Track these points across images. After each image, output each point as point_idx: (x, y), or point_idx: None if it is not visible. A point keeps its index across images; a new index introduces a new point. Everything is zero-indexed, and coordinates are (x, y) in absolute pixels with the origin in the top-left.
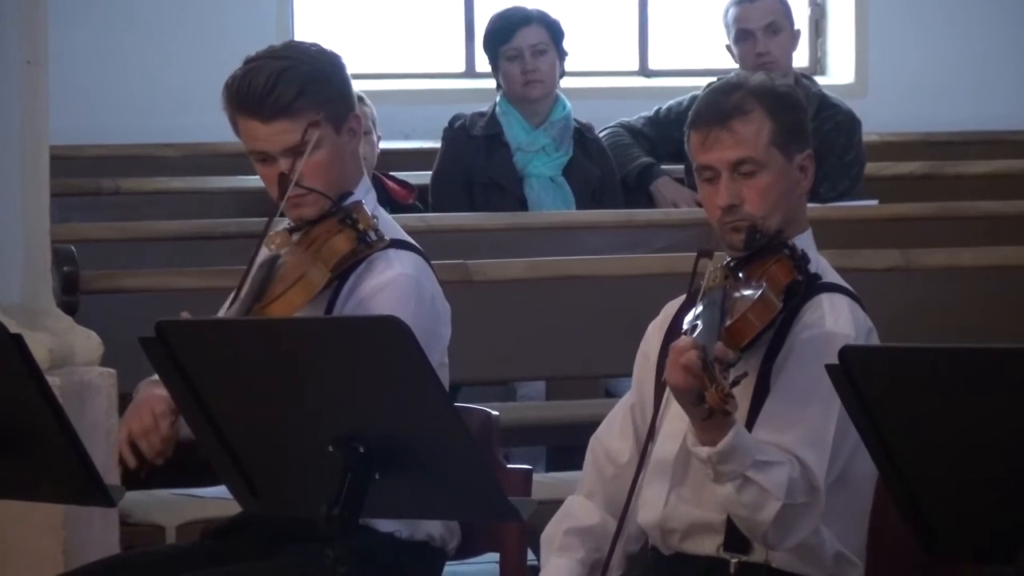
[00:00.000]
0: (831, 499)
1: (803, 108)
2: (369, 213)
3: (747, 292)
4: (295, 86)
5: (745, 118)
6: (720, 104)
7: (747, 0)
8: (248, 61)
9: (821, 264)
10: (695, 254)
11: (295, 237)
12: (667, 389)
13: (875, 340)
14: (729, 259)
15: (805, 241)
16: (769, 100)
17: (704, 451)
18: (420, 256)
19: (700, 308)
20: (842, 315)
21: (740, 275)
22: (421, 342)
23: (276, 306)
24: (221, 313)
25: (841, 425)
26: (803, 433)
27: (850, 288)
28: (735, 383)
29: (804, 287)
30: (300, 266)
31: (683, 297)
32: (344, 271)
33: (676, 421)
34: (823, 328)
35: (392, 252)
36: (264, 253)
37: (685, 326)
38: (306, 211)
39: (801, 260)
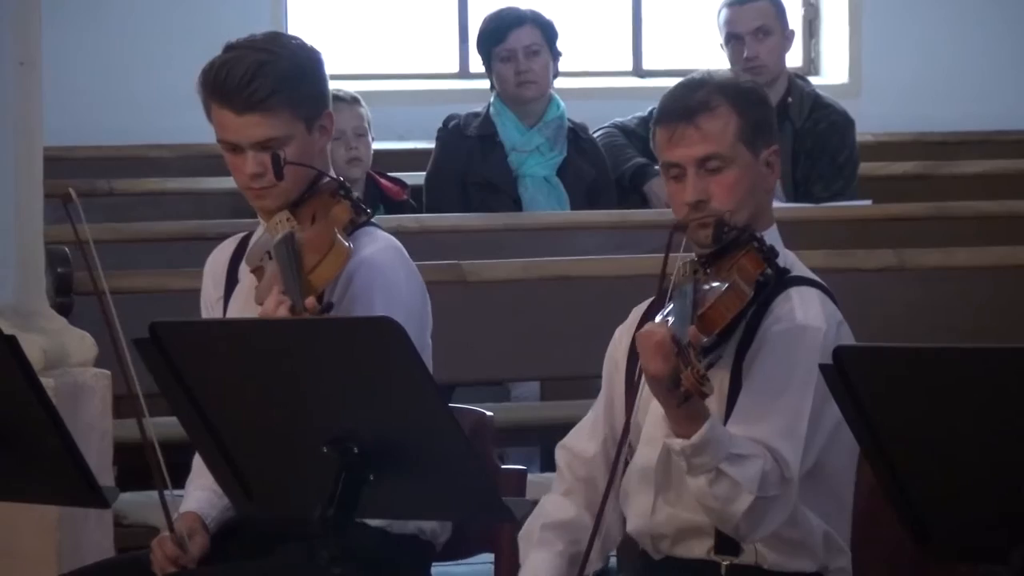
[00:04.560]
0: (809, 487)
1: (768, 104)
2: None
3: (716, 284)
4: (272, 82)
5: (711, 114)
6: (686, 101)
7: (737, 3)
8: (228, 49)
9: (789, 258)
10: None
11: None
12: (639, 393)
13: (845, 332)
14: (698, 257)
15: (772, 236)
16: (735, 96)
17: (678, 443)
18: (395, 239)
19: (670, 304)
20: (812, 307)
21: (709, 271)
22: (416, 314)
23: (319, 272)
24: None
25: (814, 415)
26: (776, 425)
27: (820, 281)
28: (710, 365)
29: (774, 280)
30: (325, 234)
31: (650, 300)
32: None
33: (654, 427)
34: (794, 321)
35: (371, 228)
36: (265, 240)
37: (657, 319)
38: (270, 202)
39: (770, 253)
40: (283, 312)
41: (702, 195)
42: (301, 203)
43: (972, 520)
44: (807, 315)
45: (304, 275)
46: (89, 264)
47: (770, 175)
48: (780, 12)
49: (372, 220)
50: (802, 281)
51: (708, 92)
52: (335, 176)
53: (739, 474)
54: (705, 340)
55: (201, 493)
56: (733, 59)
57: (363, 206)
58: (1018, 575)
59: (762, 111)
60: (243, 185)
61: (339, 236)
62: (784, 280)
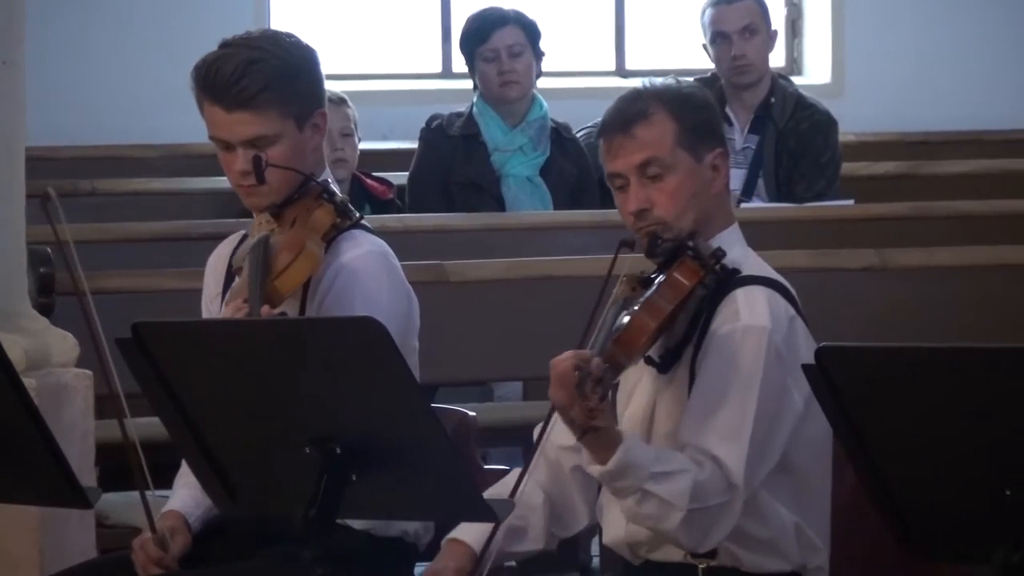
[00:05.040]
0: (777, 481)
1: (711, 107)
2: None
3: (638, 302)
4: (261, 80)
5: (647, 122)
6: (623, 112)
7: (724, 2)
8: (222, 46)
9: (749, 258)
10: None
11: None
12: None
13: (798, 328)
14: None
15: (729, 237)
16: (672, 102)
17: (596, 469)
18: (384, 243)
19: (601, 321)
20: (757, 307)
21: (638, 287)
22: (398, 319)
23: (284, 278)
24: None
25: (770, 414)
26: (719, 430)
27: (774, 278)
28: (603, 398)
29: (715, 284)
30: (297, 239)
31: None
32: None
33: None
34: (738, 322)
35: (357, 232)
36: (247, 243)
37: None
38: (261, 200)
39: (711, 258)
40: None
41: (644, 203)
42: (289, 204)
43: (954, 519)
44: (752, 315)
45: (270, 280)
46: (69, 264)
47: (717, 178)
48: (765, 12)
49: (362, 223)
50: (750, 280)
51: (645, 101)
52: (329, 175)
53: (666, 491)
54: (606, 371)
55: (186, 492)
56: (719, 58)
57: (350, 209)
58: (999, 574)
59: (702, 115)
60: (234, 182)
61: (311, 241)
62: (733, 281)
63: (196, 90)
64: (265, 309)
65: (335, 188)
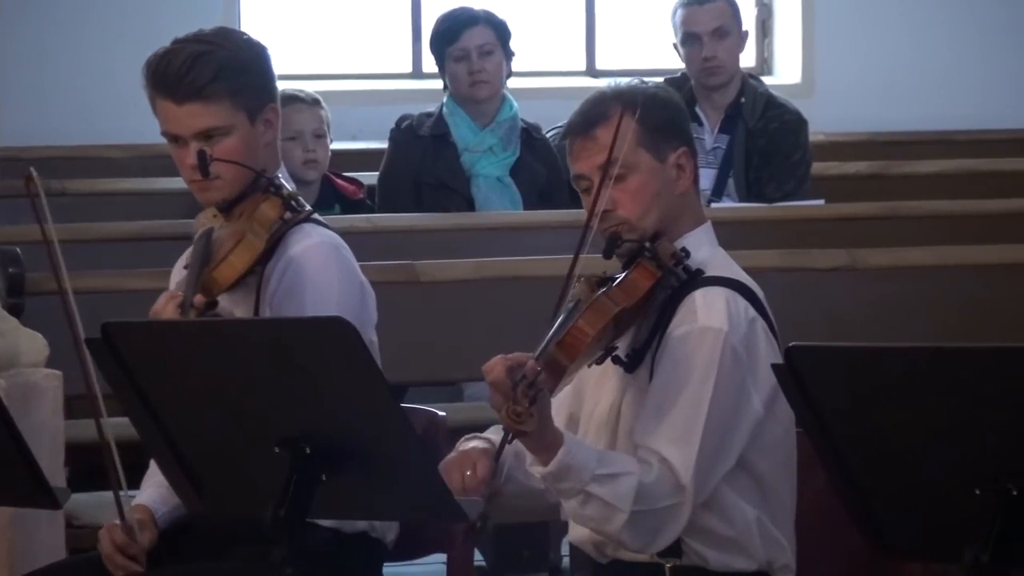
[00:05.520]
0: (739, 479)
1: (674, 106)
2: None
3: (588, 302)
4: (211, 70)
5: (607, 123)
6: (586, 115)
7: (695, 3)
8: (174, 42)
9: (717, 259)
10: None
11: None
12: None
13: (758, 330)
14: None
15: (698, 237)
16: (633, 103)
17: (538, 471)
18: (337, 236)
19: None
20: (715, 308)
21: (607, 284)
22: (350, 311)
23: (221, 268)
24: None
25: (727, 415)
26: (670, 431)
27: (738, 279)
28: (532, 402)
29: (678, 286)
30: (237, 232)
31: None
32: (266, 251)
33: (596, 436)
34: (694, 324)
35: (307, 225)
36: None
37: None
38: (214, 195)
39: (669, 260)
40: (171, 309)
41: (608, 204)
42: (242, 199)
43: (924, 518)
44: (709, 316)
45: (208, 270)
46: (50, 251)
47: (681, 178)
48: (736, 12)
49: (313, 217)
50: (712, 281)
51: (607, 103)
52: (283, 171)
53: (608, 494)
54: (538, 375)
55: (154, 490)
56: (689, 59)
57: (300, 203)
58: (970, 573)
59: (665, 114)
60: (187, 178)
61: (251, 233)
62: (694, 282)
63: (147, 86)
64: (198, 298)
65: (287, 184)
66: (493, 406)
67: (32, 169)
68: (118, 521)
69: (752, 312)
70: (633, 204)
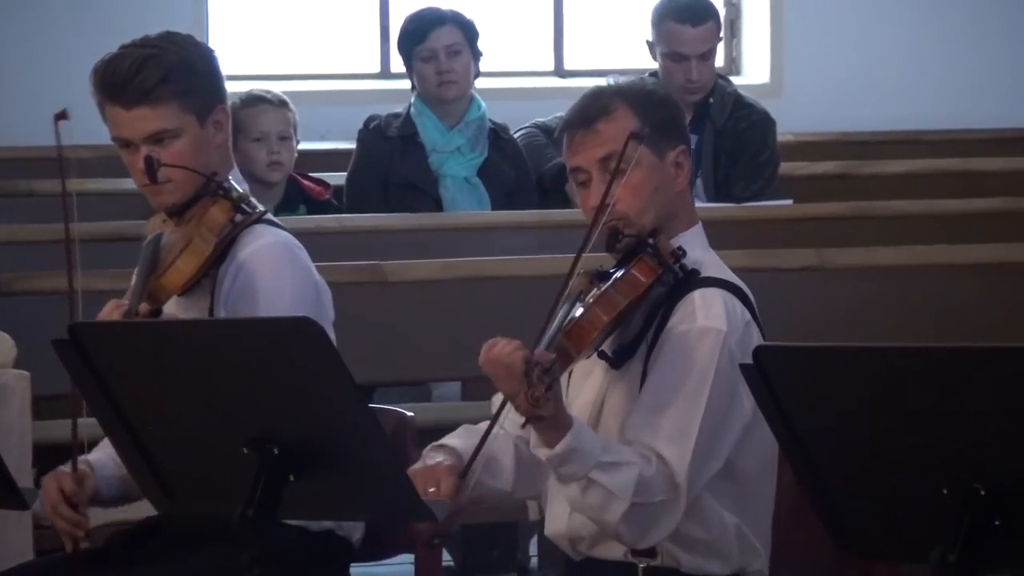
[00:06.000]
0: (721, 485)
1: (673, 105)
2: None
3: (594, 294)
4: (158, 73)
5: (609, 118)
6: (587, 108)
7: (688, 22)
8: (120, 48)
9: (709, 259)
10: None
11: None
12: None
13: (753, 333)
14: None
15: (692, 237)
16: (633, 98)
17: (543, 453)
18: (291, 235)
19: (557, 315)
20: (714, 309)
21: (605, 277)
22: (305, 310)
23: (168, 275)
24: (125, 298)
25: (719, 417)
26: (666, 429)
27: (733, 282)
28: (549, 387)
29: (674, 284)
30: (185, 237)
31: None
32: (220, 254)
33: None
34: (694, 323)
35: (259, 227)
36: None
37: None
38: (166, 198)
39: (669, 257)
40: (116, 317)
41: (607, 199)
42: (194, 202)
43: (892, 519)
44: (708, 317)
45: (155, 277)
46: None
47: (679, 176)
48: (720, 28)
49: (266, 217)
50: (709, 282)
51: (608, 97)
52: (236, 174)
53: (610, 482)
54: (552, 361)
55: (103, 453)
56: (670, 72)
57: (251, 204)
58: (937, 573)
59: (665, 112)
60: (139, 183)
61: (199, 238)
62: (692, 282)
63: (95, 93)
64: (143, 307)
65: (238, 186)
66: (506, 393)
67: (67, 109)
68: (64, 467)
69: (747, 315)
70: (632, 199)
